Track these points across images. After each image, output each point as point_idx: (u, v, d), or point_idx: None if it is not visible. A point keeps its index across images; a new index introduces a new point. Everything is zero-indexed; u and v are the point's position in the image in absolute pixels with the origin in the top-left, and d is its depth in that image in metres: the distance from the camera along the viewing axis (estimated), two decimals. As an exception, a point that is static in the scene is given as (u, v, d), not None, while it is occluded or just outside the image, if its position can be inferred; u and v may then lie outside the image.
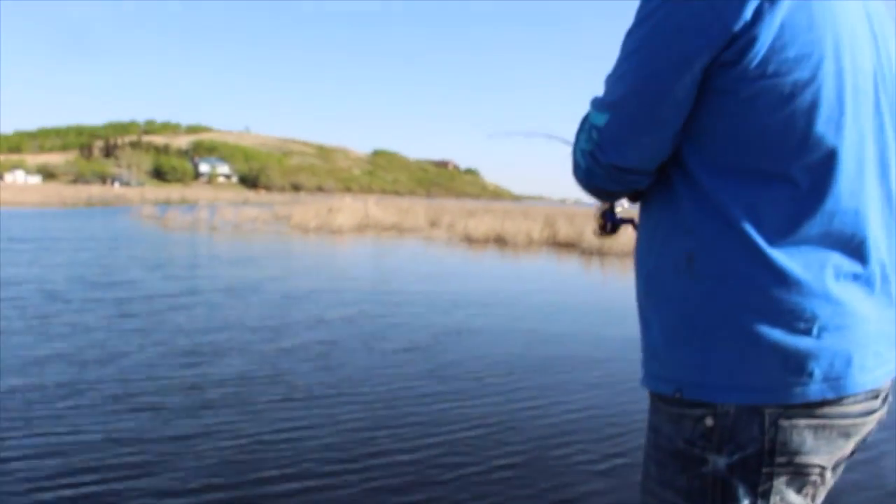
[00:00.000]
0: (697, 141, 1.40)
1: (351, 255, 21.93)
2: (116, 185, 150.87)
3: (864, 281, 1.38)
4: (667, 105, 1.35)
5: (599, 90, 1.49)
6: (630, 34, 1.40)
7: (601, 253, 23.11)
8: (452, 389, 6.52)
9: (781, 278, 1.31)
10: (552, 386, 6.81)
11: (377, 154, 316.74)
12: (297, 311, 10.23)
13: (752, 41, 1.26)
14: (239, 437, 5.05)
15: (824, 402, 1.32)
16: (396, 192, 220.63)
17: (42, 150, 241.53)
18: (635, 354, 1.66)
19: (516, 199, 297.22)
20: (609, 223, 1.84)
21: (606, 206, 1.81)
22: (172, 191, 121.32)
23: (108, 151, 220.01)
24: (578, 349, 8.59)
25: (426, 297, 12.46)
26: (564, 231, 27.56)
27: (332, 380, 6.65)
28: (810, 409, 1.32)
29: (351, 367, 7.18)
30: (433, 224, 35.24)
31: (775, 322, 1.31)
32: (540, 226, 28.76)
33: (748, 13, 1.25)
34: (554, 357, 8.08)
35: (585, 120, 1.51)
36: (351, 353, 7.78)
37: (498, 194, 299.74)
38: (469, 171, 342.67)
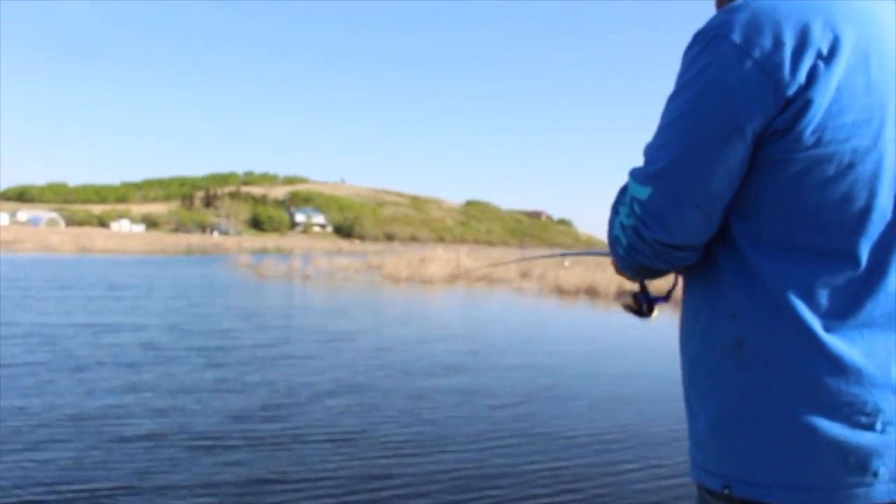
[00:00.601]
0: (747, 215, 1.27)
1: (442, 306, 21.90)
2: (215, 234, 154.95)
3: None
4: (716, 176, 1.23)
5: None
6: (672, 99, 1.30)
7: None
8: (543, 448, 6.30)
9: (840, 367, 1.17)
10: (639, 442, 6.52)
11: (470, 204, 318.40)
12: (386, 364, 10.17)
13: (807, 105, 1.15)
14: (326, 496, 4.94)
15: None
16: (489, 243, 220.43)
17: (146, 199, 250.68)
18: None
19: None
20: (644, 304, 1.70)
21: (636, 287, 1.71)
22: (269, 240, 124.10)
23: (209, 201, 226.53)
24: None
25: (517, 348, 12.26)
26: (657, 281, 26.99)
27: (424, 436, 6.53)
28: None
29: (441, 422, 7.06)
30: (524, 275, 35.02)
31: (834, 416, 1.17)
32: (632, 276, 28.15)
33: (802, 76, 1.15)
34: (646, 413, 7.77)
35: (624, 192, 1.39)
36: (441, 409, 7.65)
37: (591, 244, 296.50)
38: (562, 222, 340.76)
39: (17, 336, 10.90)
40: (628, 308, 1.75)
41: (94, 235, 74.08)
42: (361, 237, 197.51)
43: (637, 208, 1.31)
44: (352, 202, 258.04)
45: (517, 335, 14.32)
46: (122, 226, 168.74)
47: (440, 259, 36.25)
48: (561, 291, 27.08)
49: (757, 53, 1.17)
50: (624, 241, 1.37)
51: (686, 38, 1.30)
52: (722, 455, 1.28)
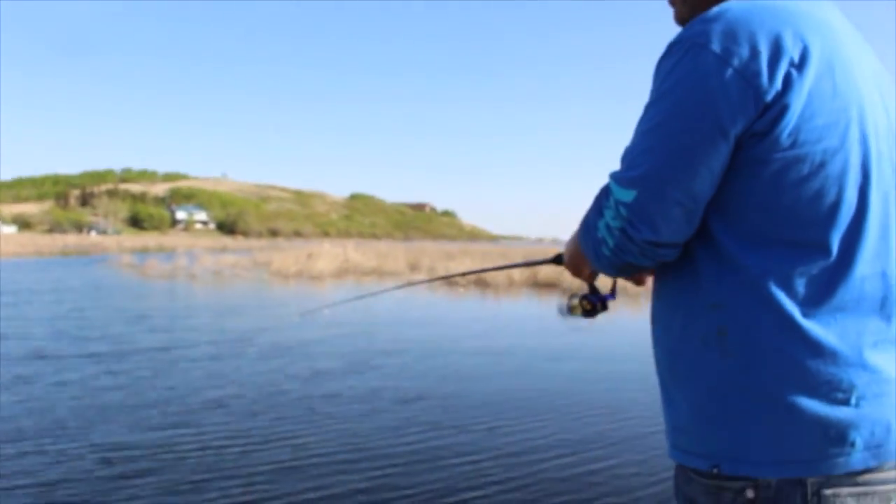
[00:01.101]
0: (727, 212, 1.38)
1: (328, 299, 21.80)
2: (93, 233, 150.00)
3: None
4: (700, 177, 1.33)
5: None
6: (652, 106, 1.40)
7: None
8: (457, 441, 6.51)
9: (818, 350, 1.30)
10: (545, 433, 6.82)
11: (354, 198, 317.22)
12: (289, 364, 10.03)
13: (784, 110, 1.28)
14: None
15: (866, 470, 1.30)
16: (374, 236, 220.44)
17: (18, 199, 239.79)
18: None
19: (493, 239, 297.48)
20: (599, 303, 1.83)
21: (585, 289, 1.84)
22: (149, 238, 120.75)
23: (85, 200, 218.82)
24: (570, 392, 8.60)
25: (419, 344, 12.41)
26: (545, 272, 27.61)
27: (331, 434, 6.62)
28: (852, 477, 1.30)
29: (349, 420, 7.15)
30: (413, 267, 35.18)
31: (814, 394, 1.30)
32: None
33: (778, 82, 1.27)
34: (543, 401, 8.10)
35: (607, 196, 1.45)
36: (348, 408, 7.72)
37: (475, 235, 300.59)
38: (446, 213, 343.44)
39: None
40: (577, 310, 1.85)
41: (-39, 238, 70.54)
42: (245, 233, 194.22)
43: (623, 210, 1.38)
44: (234, 198, 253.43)
45: (418, 330, 14.45)
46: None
47: (328, 254, 36.07)
48: (450, 283, 27.35)
49: (736, 62, 1.28)
50: (611, 242, 1.43)
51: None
52: (709, 437, 1.38)
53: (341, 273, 32.11)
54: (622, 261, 1.45)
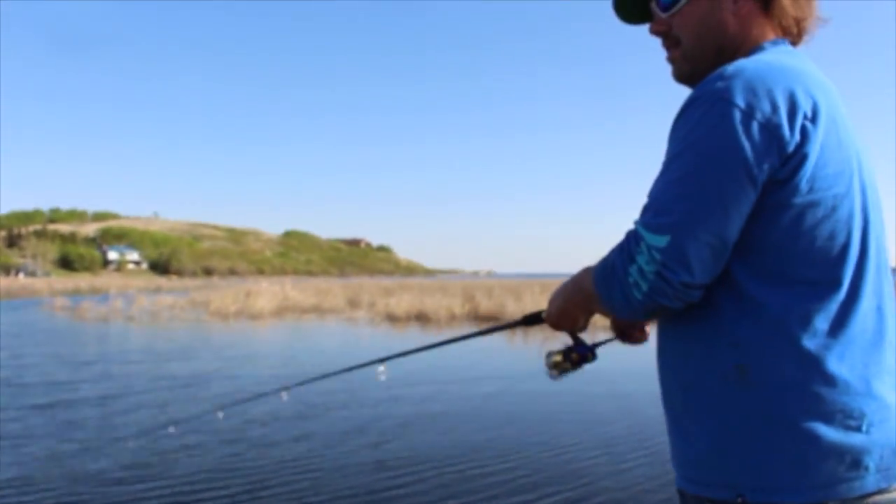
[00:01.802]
0: (747, 253, 1.47)
1: (276, 341, 21.74)
2: (21, 275, 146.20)
3: (892, 373, 1.48)
4: (732, 221, 1.42)
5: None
6: (680, 156, 1.48)
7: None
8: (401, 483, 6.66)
9: (833, 382, 1.41)
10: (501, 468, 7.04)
11: (289, 235, 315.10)
12: (250, 408, 9.24)
13: (804, 159, 1.41)
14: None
15: (878, 491, 1.41)
16: (310, 273, 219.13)
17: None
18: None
19: (429, 273, 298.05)
20: (589, 353, 1.83)
21: (568, 343, 1.84)
22: (81, 280, 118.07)
23: (12, 241, 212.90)
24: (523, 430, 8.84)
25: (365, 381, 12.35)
26: (485, 304, 27.95)
27: (316, 482, 6.70)
28: (865, 498, 1.40)
29: (325, 468, 7.16)
30: (353, 304, 35.22)
31: (831, 423, 1.40)
32: (460, 300, 29.18)
33: (797, 134, 1.41)
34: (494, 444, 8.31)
35: (637, 242, 1.48)
36: (326, 452, 7.78)
37: (411, 269, 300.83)
38: (382, 248, 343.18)
39: None
40: (560, 367, 1.84)
41: None
42: (179, 273, 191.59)
43: (657, 255, 1.43)
44: (167, 237, 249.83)
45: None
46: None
47: (266, 292, 35.84)
48: (392, 319, 27.49)
49: (759, 116, 1.39)
50: (645, 286, 1.46)
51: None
52: (731, 468, 1.46)
53: (281, 311, 31.98)
54: (655, 304, 1.48)
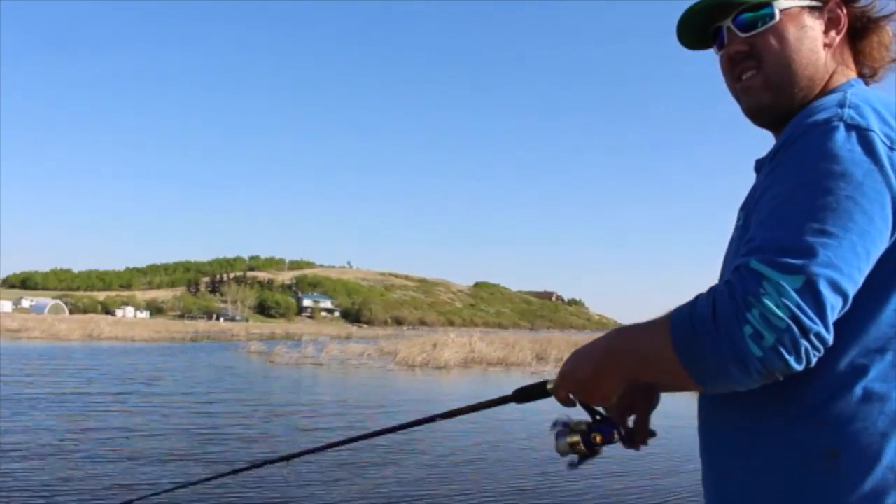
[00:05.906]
0: (851, 315, 1.21)
1: (464, 392, 21.47)
2: (221, 320, 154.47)
3: None
4: (868, 263, 1.20)
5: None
6: (808, 186, 1.23)
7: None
8: None
9: None
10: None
11: (478, 286, 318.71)
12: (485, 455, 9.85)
13: None
14: None
15: None
16: (500, 325, 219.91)
17: (151, 286, 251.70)
18: None
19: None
20: (616, 433, 1.43)
21: (584, 423, 1.45)
22: (276, 326, 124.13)
23: (214, 287, 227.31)
24: None
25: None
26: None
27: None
28: None
29: None
30: (540, 358, 34.60)
31: None
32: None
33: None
34: None
35: (757, 282, 1.17)
36: None
37: (603, 324, 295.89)
38: (573, 302, 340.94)
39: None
40: (575, 449, 1.43)
41: (100, 322, 73.27)
42: (370, 321, 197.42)
43: (791, 300, 1.15)
44: (359, 286, 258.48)
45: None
46: (126, 312, 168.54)
47: (453, 344, 35.79)
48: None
49: (888, 140, 1.22)
50: (770, 338, 1.15)
51: None
52: None
53: (467, 363, 31.92)
54: (776, 363, 1.16)
